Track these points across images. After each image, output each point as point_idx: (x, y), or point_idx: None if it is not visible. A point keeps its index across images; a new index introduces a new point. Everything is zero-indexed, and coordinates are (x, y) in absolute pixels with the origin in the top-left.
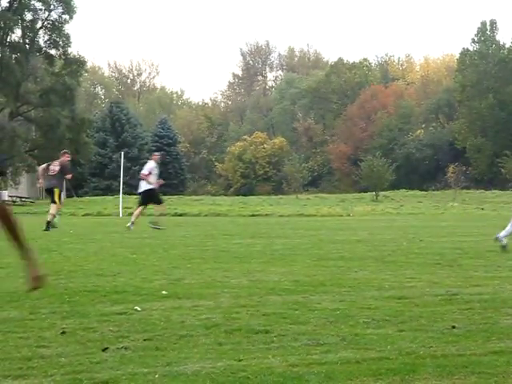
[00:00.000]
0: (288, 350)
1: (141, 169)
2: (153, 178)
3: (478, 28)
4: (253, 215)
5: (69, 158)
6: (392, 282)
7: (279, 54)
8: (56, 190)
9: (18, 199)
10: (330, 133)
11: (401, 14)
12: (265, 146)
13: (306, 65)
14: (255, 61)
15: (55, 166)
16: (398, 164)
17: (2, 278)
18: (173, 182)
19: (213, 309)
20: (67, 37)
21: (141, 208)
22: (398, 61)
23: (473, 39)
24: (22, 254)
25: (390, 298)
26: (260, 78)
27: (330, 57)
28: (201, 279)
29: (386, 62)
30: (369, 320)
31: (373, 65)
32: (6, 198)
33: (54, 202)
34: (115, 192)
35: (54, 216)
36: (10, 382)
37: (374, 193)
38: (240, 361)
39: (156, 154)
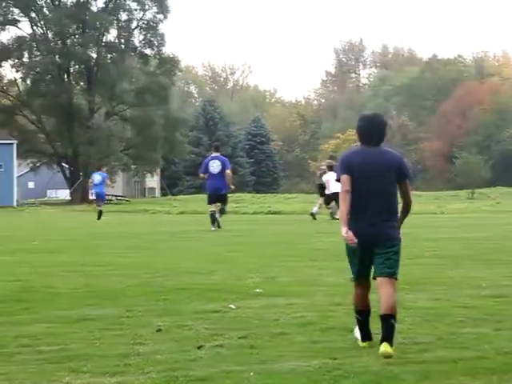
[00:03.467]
0: None
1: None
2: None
3: None
4: None
5: None
6: (489, 281)
7: (373, 51)
8: None
9: (114, 198)
10: (424, 130)
11: (497, 10)
12: (358, 143)
13: (399, 62)
14: (348, 58)
15: None
16: (495, 161)
17: (100, 276)
18: (266, 180)
19: (307, 307)
20: (162, 36)
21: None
22: (494, 56)
23: None
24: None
25: (487, 296)
26: (353, 75)
27: (424, 54)
28: (295, 277)
29: (481, 57)
30: (465, 319)
31: (467, 61)
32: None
33: None
34: None
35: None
36: (108, 378)
37: (469, 190)
38: (335, 359)
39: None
